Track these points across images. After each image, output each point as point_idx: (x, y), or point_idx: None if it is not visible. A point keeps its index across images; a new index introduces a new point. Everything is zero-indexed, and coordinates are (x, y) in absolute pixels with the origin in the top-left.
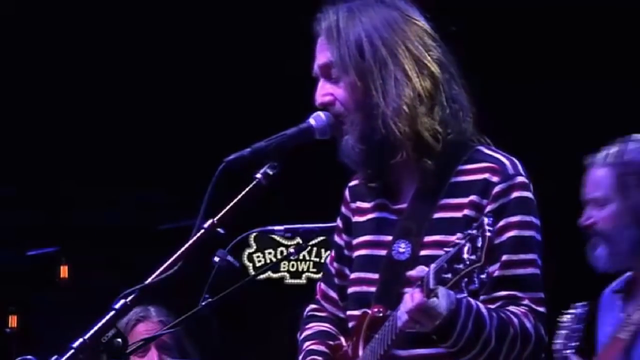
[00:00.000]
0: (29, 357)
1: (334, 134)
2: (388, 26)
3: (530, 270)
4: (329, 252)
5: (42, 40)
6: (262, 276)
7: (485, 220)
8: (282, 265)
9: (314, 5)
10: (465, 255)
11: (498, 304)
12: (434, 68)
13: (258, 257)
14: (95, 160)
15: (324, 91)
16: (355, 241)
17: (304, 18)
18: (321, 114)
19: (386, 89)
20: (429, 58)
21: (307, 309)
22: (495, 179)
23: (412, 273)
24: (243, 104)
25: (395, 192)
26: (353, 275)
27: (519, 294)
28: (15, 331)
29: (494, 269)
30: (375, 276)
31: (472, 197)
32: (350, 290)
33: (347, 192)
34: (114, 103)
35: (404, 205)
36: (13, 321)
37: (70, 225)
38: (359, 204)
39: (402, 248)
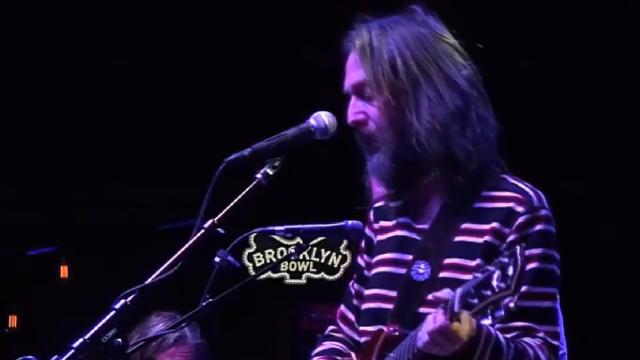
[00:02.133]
0: (29, 357)
1: (364, 148)
2: (420, 45)
3: (547, 303)
4: (328, 252)
5: (42, 40)
6: (262, 276)
7: (518, 249)
8: (282, 265)
9: (315, 4)
10: (495, 283)
11: (513, 334)
12: (465, 87)
13: (258, 257)
14: (95, 160)
15: (357, 109)
16: (375, 259)
17: (305, 18)
18: (321, 113)
19: (419, 108)
20: (459, 76)
21: (327, 329)
22: (520, 209)
23: (437, 294)
24: (243, 104)
25: (418, 211)
26: (369, 292)
27: (535, 326)
28: (15, 331)
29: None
30: (393, 294)
31: (494, 224)
32: (365, 306)
33: (371, 213)
34: (114, 103)
35: (427, 226)
36: (13, 321)
37: (70, 225)
38: (382, 223)
39: (422, 269)
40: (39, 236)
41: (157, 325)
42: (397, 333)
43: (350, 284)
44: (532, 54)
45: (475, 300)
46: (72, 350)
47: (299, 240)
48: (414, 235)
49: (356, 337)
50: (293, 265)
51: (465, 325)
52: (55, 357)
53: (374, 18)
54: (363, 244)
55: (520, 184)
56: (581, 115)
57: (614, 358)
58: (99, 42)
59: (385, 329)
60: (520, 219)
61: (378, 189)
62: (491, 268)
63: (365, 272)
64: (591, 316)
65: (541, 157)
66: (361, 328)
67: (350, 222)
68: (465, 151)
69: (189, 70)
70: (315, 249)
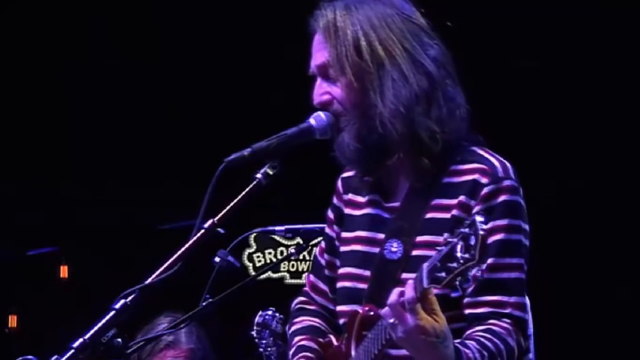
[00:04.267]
0: (29, 357)
1: (333, 133)
2: (385, 25)
3: (515, 274)
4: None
5: (42, 40)
6: (262, 276)
7: (478, 218)
8: (282, 265)
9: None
10: (459, 254)
11: (482, 309)
12: (431, 67)
13: (258, 257)
14: (95, 160)
15: (322, 90)
16: (347, 235)
17: (305, 18)
18: (321, 114)
19: (383, 90)
20: (425, 57)
21: (296, 301)
22: (484, 180)
23: (407, 275)
24: (243, 104)
25: (388, 189)
26: (343, 270)
27: (504, 299)
28: (15, 331)
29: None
30: (367, 273)
31: (461, 198)
32: (340, 284)
33: (339, 183)
34: (114, 103)
35: (397, 204)
36: (13, 321)
37: (70, 225)
38: (352, 196)
39: (394, 247)
40: (39, 236)
41: (163, 326)
42: (372, 313)
43: (318, 253)
44: (531, 54)
45: (443, 274)
46: (72, 350)
47: (299, 240)
48: (384, 214)
49: (330, 307)
50: (293, 265)
51: (429, 319)
52: (55, 357)
53: None
54: (331, 214)
55: (486, 155)
56: (581, 115)
57: (614, 357)
58: (98, 42)
59: (360, 309)
60: (485, 190)
61: None
62: (453, 240)
63: (336, 243)
64: (591, 316)
65: (540, 157)
66: (338, 308)
67: None
68: (430, 132)
69: (188, 70)
70: (315, 249)
